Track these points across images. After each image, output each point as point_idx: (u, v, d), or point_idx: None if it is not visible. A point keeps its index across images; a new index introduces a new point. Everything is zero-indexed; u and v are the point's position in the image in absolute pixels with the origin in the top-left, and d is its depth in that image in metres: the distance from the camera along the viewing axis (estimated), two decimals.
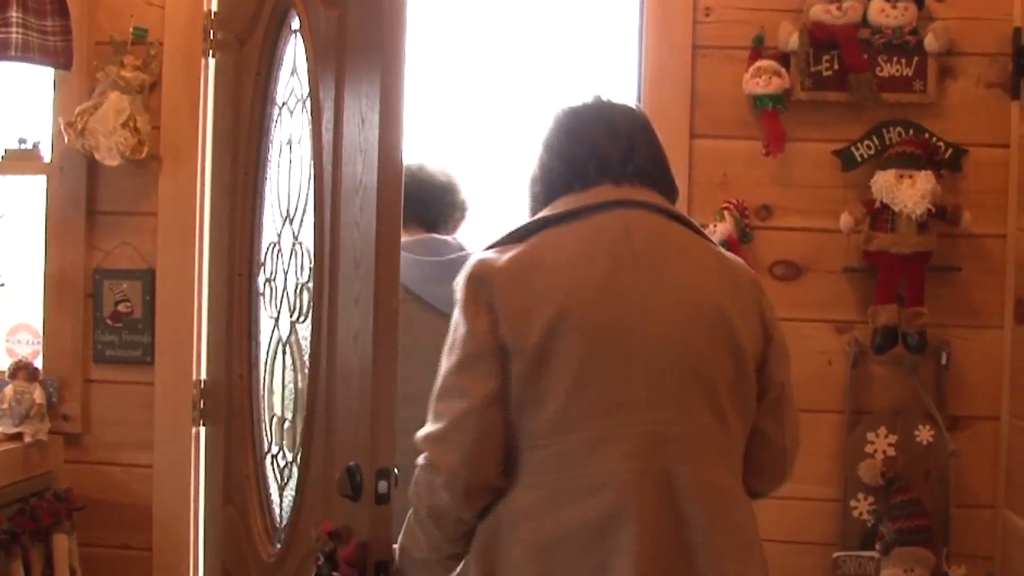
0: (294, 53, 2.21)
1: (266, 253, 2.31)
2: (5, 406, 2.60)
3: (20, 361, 2.71)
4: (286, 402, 2.20)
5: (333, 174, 1.91)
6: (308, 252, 2.06)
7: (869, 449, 2.58)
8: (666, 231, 1.62)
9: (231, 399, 2.43)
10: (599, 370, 1.50)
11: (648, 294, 1.54)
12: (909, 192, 2.46)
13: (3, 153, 2.79)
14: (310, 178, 2.04)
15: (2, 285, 2.85)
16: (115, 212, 2.77)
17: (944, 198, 2.52)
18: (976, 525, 2.58)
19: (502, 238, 1.63)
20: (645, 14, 2.66)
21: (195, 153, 2.71)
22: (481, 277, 1.55)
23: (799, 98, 2.58)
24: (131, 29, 2.70)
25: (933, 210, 2.48)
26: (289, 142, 2.23)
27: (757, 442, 1.65)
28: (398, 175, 1.73)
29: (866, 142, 2.59)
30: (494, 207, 2.80)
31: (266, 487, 2.28)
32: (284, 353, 2.21)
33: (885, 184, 2.49)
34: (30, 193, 2.86)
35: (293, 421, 2.15)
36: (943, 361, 2.58)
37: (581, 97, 1.71)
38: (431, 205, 2.27)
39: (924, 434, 2.57)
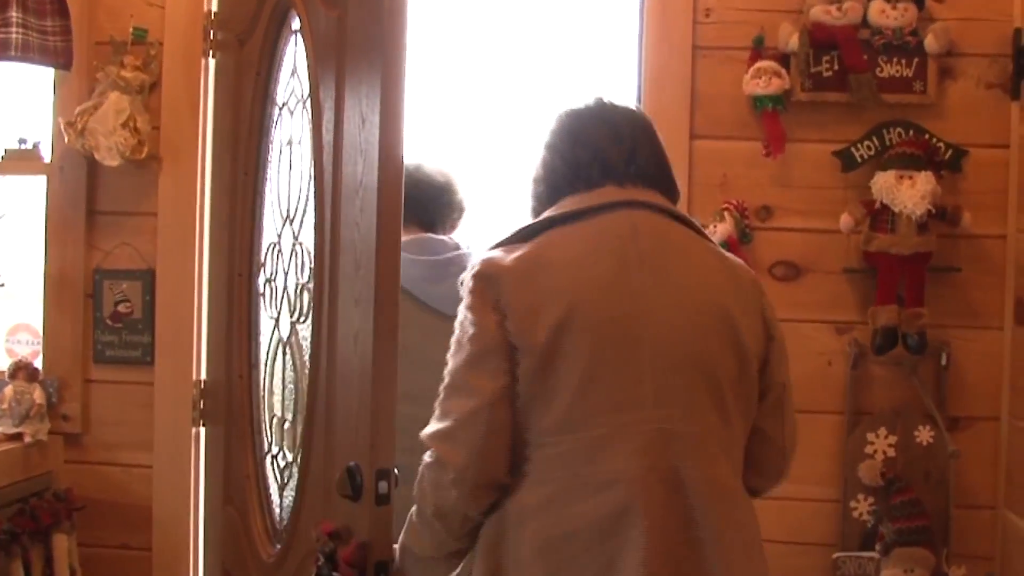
0: (294, 53, 2.21)
1: (266, 253, 2.31)
2: (5, 406, 2.60)
3: (20, 361, 2.71)
4: (286, 402, 2.20)
5: (333, 174, 1.91)
6: (308, 252, 2.06)
7: (869, 450, 2.58)
8: (670, 231, 1.63)
9: (231, 399, 2.43)
10: (607, 368, 1.51)
11: (654, 293, 1.55)
12: (909, 193, 2.46)
13: (3, 153, 2.79)
14: (310, 178, 2.04)
15: (2, 285, 2.86)
16: (115, 212, 2.77)
17: (944, 199, 2.52)
18: (976, 526, 2.58)
19: (507, 238, 1.64)
20: (645, 15, 2.66)
21: (195, 153, 2.71)
22: (489, 276, 1.56)
23: (799, 99, 2.58)
24: (131, 29, 2.70)
25: (933, 211, 2.48)
26: (289, 142, 2.23)
27: (758, 441, 1.66)
28: (398, 175, 1.73)
29: (866, 143, 2.59)
30: (494, 207, 2.80)
31: (266, 487, 2.28)
32: (284, 353, 2.21)
33: (885, 185, 2.49)
34: (30, 193, 2.86)
35: (293, 421, 2.15)
36: (943, 362, 2.58)
37: (583, 99, 1.72)
38: (428, 205, 2.27)
39: (924, 435, 2.57)
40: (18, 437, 2.58)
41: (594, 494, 1.49)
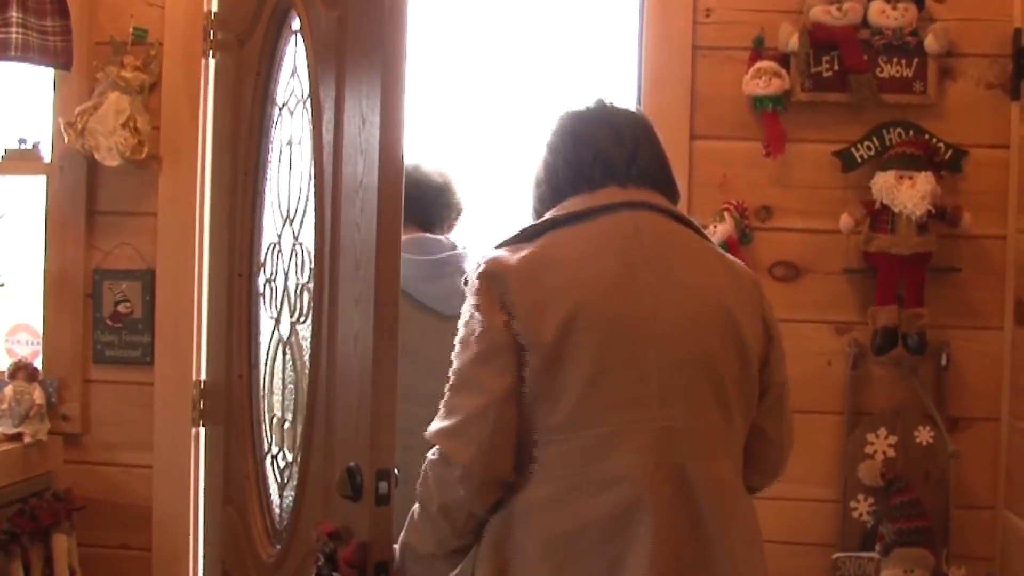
0: (294, 53, 2.21)
1: (266, 253, 2.31)
2: (5, 406, 2.60)
3: (20, 361, 2.71)
4: (286, 402, 2.20)
5: (333, 174, 1.91)
6: (308, 252, 2.06)
7: (869, 450, 2.58)
8: (672, 232, 1.64)
9: (231, 399, 2.43)
10: (613, 366, 1.52)
11: (659, 293, 1.56)
12: (909, 193, 2.46)
13: (3, 153, 2.79)
14: (310, 178, 2.04)
15: (2, 285, 2.86)
16: (115, 212, 2.77)
17: (944, 199, 2.52)
18: (976, 526, 2.58)
19: (511, 238, 1.64)
20: (645, 15, 2.66)
21: (195, 153, 2.71)
22: (495, 274, 1.56)
23: (799, 99, 2.58)
24: (131, 29, 2.70)
25: (933, 211, 2.48)
26: (289, 142, 2.22)
27: (757, 439, 1.68)
28: (398, 175, 1.73)
29: (866, 143, 2.59)
30: (493, 207, 2.80)
31: (266, 487, 2.28)
32: (284, 353, 2.21)
33: (885, 185, 2.49)
34: (30, 193, 2.86)
35: (293, 421, 2.15)
36: (943, 362, 2.58)
37: (584, 100, 1.73)
38: (427, 205, 2.27)
39: (924, 435, 2.57)
40: (18, 437, 2.58)
41: (601, 491, 1.50)
